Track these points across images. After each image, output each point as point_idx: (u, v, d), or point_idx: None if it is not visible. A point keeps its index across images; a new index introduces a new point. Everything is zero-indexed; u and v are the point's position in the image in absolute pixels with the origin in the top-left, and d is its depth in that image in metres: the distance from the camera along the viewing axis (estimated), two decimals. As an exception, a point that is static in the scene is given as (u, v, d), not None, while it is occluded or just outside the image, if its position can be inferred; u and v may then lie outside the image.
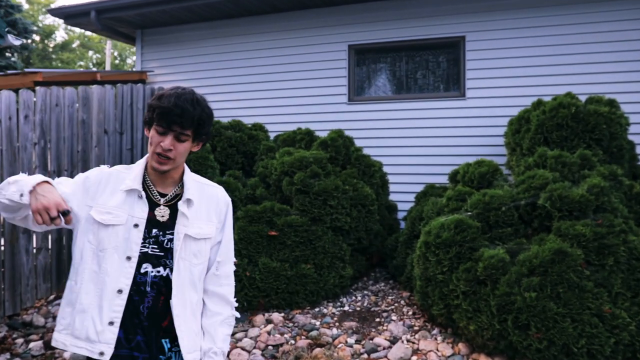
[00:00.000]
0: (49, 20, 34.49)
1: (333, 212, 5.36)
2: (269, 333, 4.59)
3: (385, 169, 6.51)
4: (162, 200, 2.03)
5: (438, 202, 5.23)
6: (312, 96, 7.55)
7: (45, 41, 34.28)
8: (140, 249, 1.96)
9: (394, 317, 4.81)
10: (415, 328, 4.59)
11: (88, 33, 35.98)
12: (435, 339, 4.36)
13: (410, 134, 7.12)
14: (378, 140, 7.19)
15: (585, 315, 3.77)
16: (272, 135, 6.87)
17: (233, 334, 4.61)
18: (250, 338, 4.56)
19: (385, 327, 4.63)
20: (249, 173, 6.34)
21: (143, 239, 1.97)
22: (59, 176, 5.69)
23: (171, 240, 2.00)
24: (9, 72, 6.08)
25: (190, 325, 2.01)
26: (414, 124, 7.12)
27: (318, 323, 4.79)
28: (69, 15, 7.97)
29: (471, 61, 6.92)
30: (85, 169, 6.05)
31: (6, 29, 3.43)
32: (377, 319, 4.81)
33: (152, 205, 2.01)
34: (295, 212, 5.35)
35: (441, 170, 6.81)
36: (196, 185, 2.09)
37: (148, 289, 1.96)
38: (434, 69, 7.34)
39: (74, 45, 36.09)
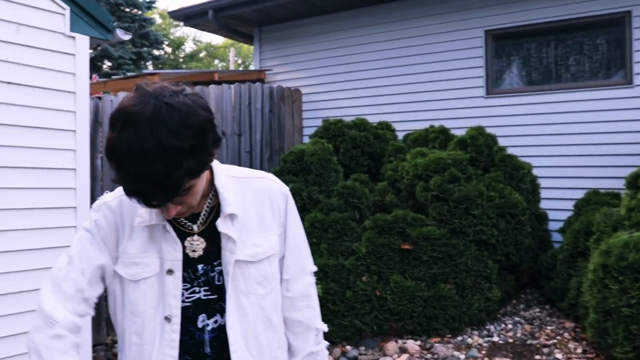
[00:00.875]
0: (179, 32, 36.48)
1: (476, 222, 4.53)
2: (403, 366, 3.89)
3: (534, 172, 5.54)
4: (195, 227, 1.38)
5: (613, 214, 4.21)
6: (443, 90, 6.73)
7: (176, 52, 36.26)
8: (187, 299, 1.36)
9: (558, 356, 3.89)
10: (590, 371, 3.66)
11: (214, 42, 37.62)
12: (620, 388, 3.40)
13: (563, 130, 6.06)
14: (522, 139, 6.21)
15: None
16: (400, 135, 6.16)
17: (361, 365, 3.96)
18: (382, 371, 3.89)
19: (548, 368, 3.74)
20: (375, 177, 5.67)
21: (188, 284, 1.36)
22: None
23: (221, 273, 1.38)
24: (128, 74, 5.97)
25: None
26: (567, 118, 6.05)
27: (462, 356, 4.00)
28: (188, 17, 7.86)
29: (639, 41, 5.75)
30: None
31: (114, 23, 3.15)
32: (537, 356, 3.92)
33: (183, 235, 1.38)
34: (431, 222, 4.59)
35: (604, 172, 5.71)
36: (235, 186, 1.41)
37: (207, 349, 1.36)
38: (591, 53, 6.21)
39: (201, 55, 37.86)
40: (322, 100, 7.56)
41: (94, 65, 17.99)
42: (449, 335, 4.36)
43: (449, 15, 6.73)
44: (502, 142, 5.56)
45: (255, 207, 1.41)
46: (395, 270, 4.45)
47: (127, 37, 3.68)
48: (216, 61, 38.85)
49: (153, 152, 1.11)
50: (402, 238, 4.52)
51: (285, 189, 1.48)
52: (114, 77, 7.28)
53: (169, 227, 1.34)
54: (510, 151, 5.49)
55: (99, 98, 4.77)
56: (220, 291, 1.37)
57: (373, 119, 6.29)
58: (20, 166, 3.11)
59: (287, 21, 7.86)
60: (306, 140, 7.25)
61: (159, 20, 32.52)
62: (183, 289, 1.35)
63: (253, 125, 6.64)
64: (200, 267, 1.37)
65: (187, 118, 1.15)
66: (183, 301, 1.34)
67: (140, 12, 20.66)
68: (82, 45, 3.45)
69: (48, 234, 3.24)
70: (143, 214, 1.33)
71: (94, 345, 4.40)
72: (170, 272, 1.34)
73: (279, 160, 6.65)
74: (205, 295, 1.36)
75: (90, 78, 7.17)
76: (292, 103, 7.47)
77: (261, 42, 8.21)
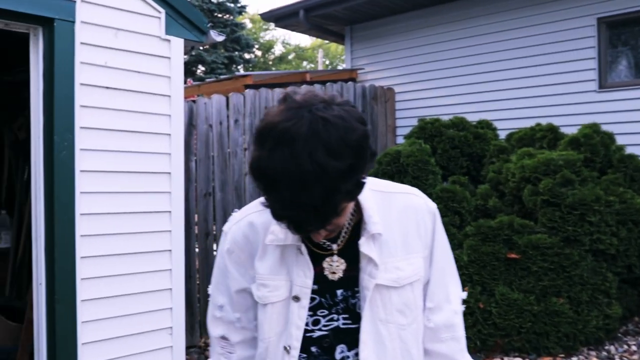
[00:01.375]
0: (269, 36, 37.28)
1: (593, 230, 4.09)
2: (512, 388, 3.55)
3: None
4: (334, 247, 1.21)
5: None
6: (550, 85, 6.22)
7: (266, 55, 37.06)
8: (324, 327, 1.20)
9: (697, 384, 3.40)
10: None
11: (302, 44, 38.09)
12: None
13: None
14: (642, 136, 5.60)
15: None
16: (501, 134, 5.75)
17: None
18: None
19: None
20: (475, 179, 5.31)
21: (326, 310, 1.20)
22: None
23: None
24: (221, 77, 6.01)
25: None
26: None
27: (579, 380, 3.60)
28: (279, 18, 7.83)
29: None
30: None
31: (208, 25, 3.12)
32: (670, 384, 3.45)
33: (317, 257, 1.21)
34: (541, 230, 4.19)
35: None
36: (379, 201, 1.23)
37: None
38: None
39: (290, 57, 38.44)
40: (416, 99, 7.26)
41: (189, 70, 18.65)
42: (562, 355, 3.95)
43: (557, 3, 6.21)
44: (619, 140, 5.03)
45: (400, 226, 1.22)
46: (501, 281, 4.10)
47: (220, 38, 3.61)
48: (304, 63, 39.28)
49: (311, 175, 0.95)
50: (508, 246, 4.16)
51: (432, 206, 1.29)
52: (207, 80, 7.39)
53: (303, 249, 1.19)
54: (629, 150, 4.95)
55: (193, 101, 4.78)
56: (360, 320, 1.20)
57: (472, 118, 5.91)
58: (118, 170, 3.11)
59: (378, 18, 7.63)
60: (400, 140, 6.99)
61: (249, 25, 33.40)
62: (320, 316, 1.20)
63: (345, 125, 6.46)
64: (339, 292, 1.20)
65: (346, 134, 0.98)
66: (320, 329, 1.19)
67: (231, 17, 21.22)
68: (177, 48, 3.41)
69: (144, 237, 3.22)
70: (277, 232, 1.19)
71: (187, 348, 4.40)
72: (296, 299, 1.18)
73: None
74: (344, 324, 1.20)
75: (185, 82, 7.31)
76: (384, 102, 7.23)
77: (352, 40, 8.03)
